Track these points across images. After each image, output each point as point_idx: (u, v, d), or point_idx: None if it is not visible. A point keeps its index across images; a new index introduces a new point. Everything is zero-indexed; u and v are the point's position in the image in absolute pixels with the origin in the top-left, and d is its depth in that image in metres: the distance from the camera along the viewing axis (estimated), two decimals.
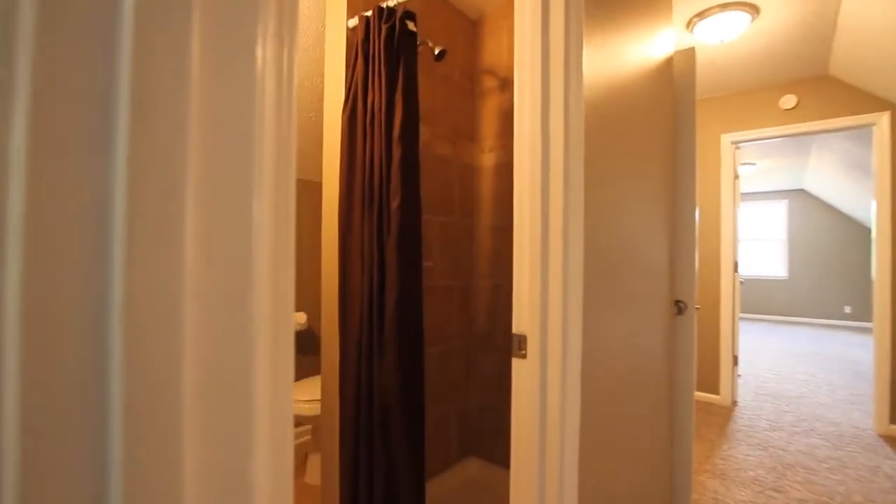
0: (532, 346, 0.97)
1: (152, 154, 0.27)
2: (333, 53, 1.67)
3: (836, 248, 7.55)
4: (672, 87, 1.88)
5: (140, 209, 0.27)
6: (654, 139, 1.64)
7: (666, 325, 1.71)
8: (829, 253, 7.61)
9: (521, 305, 0.99)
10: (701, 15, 2.33)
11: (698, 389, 3.46)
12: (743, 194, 8.12)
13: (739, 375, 3.84)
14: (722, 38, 2.44)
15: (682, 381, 1.80)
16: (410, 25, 1.44)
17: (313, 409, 1.99)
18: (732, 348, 3.43)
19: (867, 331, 6.82)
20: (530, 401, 0.95)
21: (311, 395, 2.04)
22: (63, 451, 0.24)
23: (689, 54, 1.90)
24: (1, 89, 0.24)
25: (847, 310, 7.36)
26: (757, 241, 8.38)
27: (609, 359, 1.23)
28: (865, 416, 3.13)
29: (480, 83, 2.21)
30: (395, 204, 1.37)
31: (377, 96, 1.42)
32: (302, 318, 2.56)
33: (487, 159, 2.18)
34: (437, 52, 1.78)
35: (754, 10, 2.29)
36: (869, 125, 2.96)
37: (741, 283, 3.78)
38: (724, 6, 2.27)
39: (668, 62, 1.83)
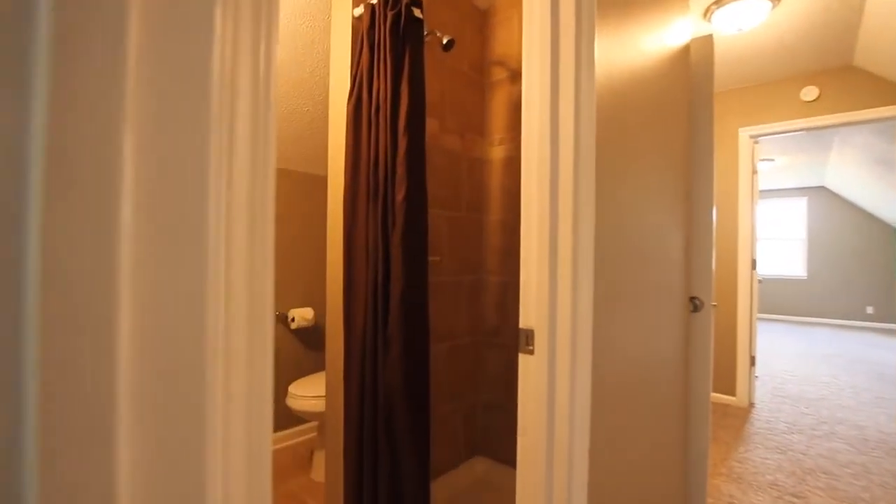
0: (540, 342, 0.93)
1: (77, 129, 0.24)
2: (339, 43, 1.64)
3: (857, 247, 7.33)
4: (688, 77, 1.81)
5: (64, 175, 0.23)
6: (670, 131, 1.58)
7: (681, 322, 1.64)
8: (851, 252, 7.38)
9: (528, 299, 0.95)
10: (719, 2, 2.25)
11: (714, 390, 3.37)
12: (760, 191, 7.92)
13: (756, 376, 3.73)
14: (740, 27, 2.35)
15: (697, 380, 1.73)
16: (416, 12, 1.40)
17: (318, 406, 1.97)
18: (750, 348, 3.34)
19: (891, 332, 6.61)
20: (538, 398, 0.91)
21: (316, 392, 2.02)
22: None
23: (706, 42, 1.83)
24: None
25: (869, 310, 7.14)
26: (775, 240, 8.17)
27: (620, 355, 1.18)
28: (891, 419, 3.01)
29: (490, 75, 2.16)
30: (400, 196, 1.34)
31: (382, 85, 1.39)
32: (309, 313, 2.54)
33: (497, 153, 2.13)
34: (445, 41, 1.74)
35: None
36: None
37: (759, 282, 3.67)
38: None
39: (685, 51, 1.76)
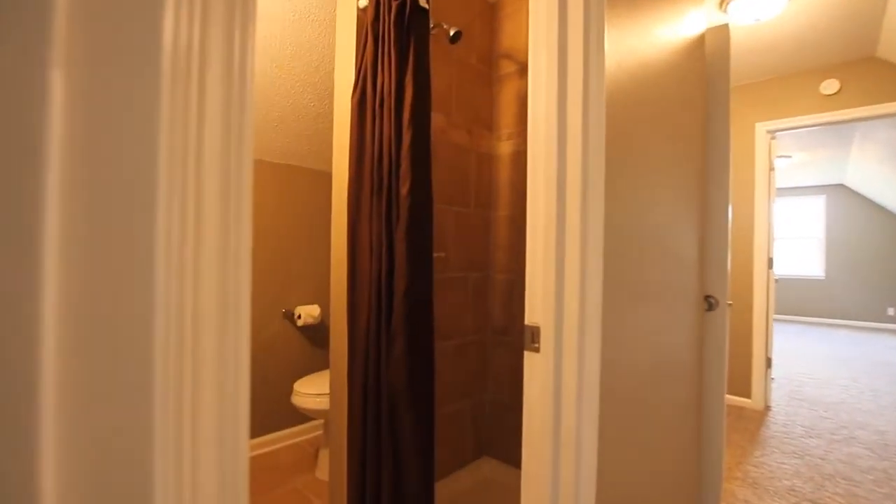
0: (546, 339, 0.89)
1: None
2: (344, 37, 1.62)
3: (878, 246, 7.12)
4: (704, 69, 1.75)
5: None
6: (684, 125, 1.53)
7: (695, 321, 1.59)
8: (871, 252, 7.18)
9: (534, 294, 0.91)
10: None
11: (728, 392, 3.29)
12: (777, 189, 7.75)
13: (773, 379, 3.64)
14: (758, 17, 2.28)
15: (712, 381, 1.68)
16: (422, 2, 1.37)
17: (323, 403, 1.95)
18: (766, 350, 3.25)
19: None
20: (543, 398, 0.87)
21: (321, 389, 2.00)
22: None
23: (722, 32, 1.77)
24: None
25: (890, 311, 6.94)
26: (791, 240, 7.99)
27: (631, 354, 1.14)
28: None
29: (498, 68, 2.12)
30: (404, 189, 1.31)
31: (386, 77, 1.36)
32: (315, 311, 2.53)
33: (505, 148, 2.10)
34: (452, 33, 1.71)
35: None
36: None
37: (775, 281, 3.58)
38: None
39: (700, 42, 1.70)
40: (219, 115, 0.34)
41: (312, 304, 2.60)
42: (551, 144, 0.93)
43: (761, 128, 3.26)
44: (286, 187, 2.53)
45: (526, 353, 0.92)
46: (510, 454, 2.02)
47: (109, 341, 0.24)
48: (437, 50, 1.83)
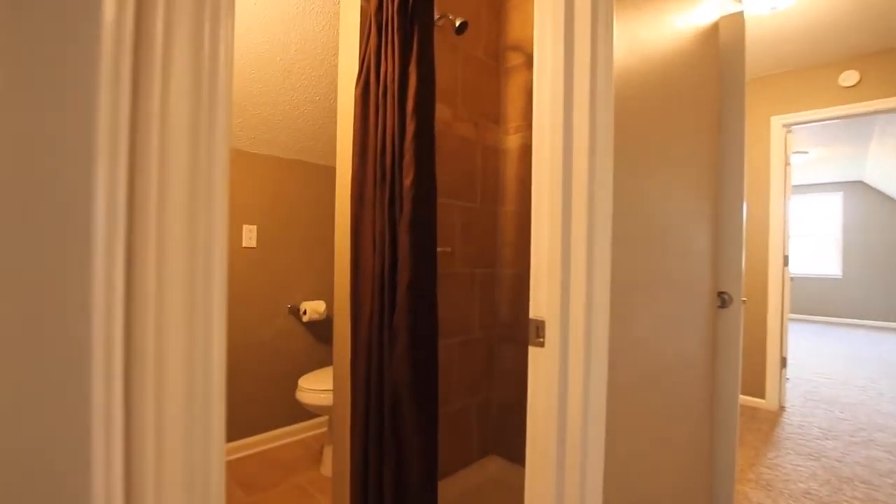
0: (551, 333, 0.86)
1: None
2: (347, 29, 1.59)
3: None
4: (717, 58, 1.70)
5: None
6: (697, 116, 1.48)
7: (707, 317, 1.54)
8: (891, 250, 6.99)
9: (538, 286, 0.88)
10: None
11: (741, 392, 3.22)
12: (793, 187, 7.58)
13: (787, 379, 3.55)
14: (774, 6, 2.21)
15: (725, 380, 1.63)
16: None
17: (327, 399, 1.94)
18: (781, 349, 3.17)
19: None
20: (548, 394, 0.84)
21: (325, 385, 1.99)
22: None
23: (736, 20, 1.71)
24: None
25: None
26: (807, 237, 7.82)
27: (640, 350, 1.10)
28: None
29: (505, 60, 2.08)
30: (408, 181, 1.28)
31: (390, 66, 1.33)
32: (321, 306, 2.52)
33: (513, 141, 2.06)
34: (457, 23, 1.68)
35: None
36: None
37: (790, 279, 3.49)
38: None
39: (713, 30, 1.65)
40: (185, 110, 0.31)
41: (318, 299, 2.59)
42: (556, 134, 0.90)
43: (777, 121, 3.18)
44: (294, 182, 2.52)
45: (530, 348, 0.89)
46: (518, 453, 1.98)
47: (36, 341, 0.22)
48: (442, 41, 1.80)
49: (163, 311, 0.29)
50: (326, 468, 2.08)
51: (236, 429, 2.27)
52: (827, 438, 2.65)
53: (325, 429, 2.53)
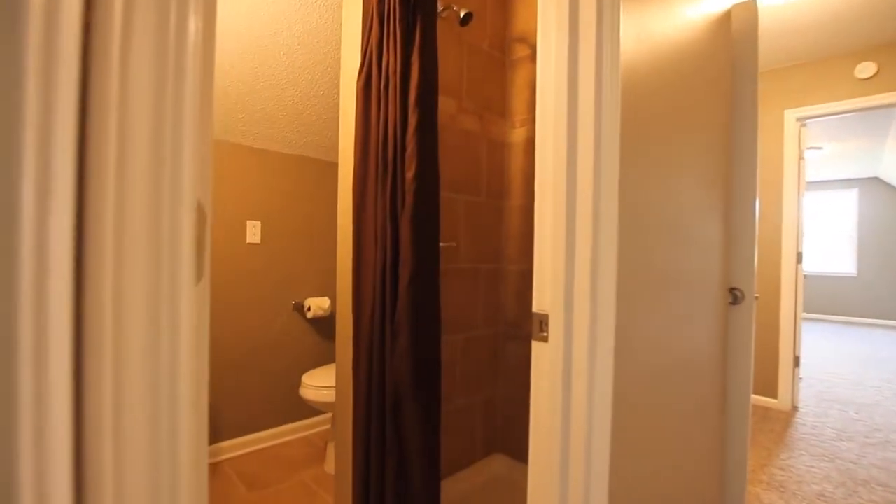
0: (555, 328, 0.83)
1: None
2: (349, 21, 1.57)
3: None
4: (729, 48, 1.65)
5: None
6: (709, 108, 1.44)
7: (719, 314, 1.50)
8: None
9: (542, 280, 0.85)
10: None
11: (753, 391, 3.16)
12: (806, 184, 7.44)
13: (801, 378, 3.48)
14: None
15: (736, 377, 1.59)
16: None
17: (330, 396, 1.92)
18: (794, 348, 3.10)
19: None
20: (551, 391, 0.81)
21: (328, 382, 1.97)
22: None
23: (748, 8, 1.66)
24: None
25: None
26: (821, 235, 7.67)
27: (648, 346, 1.06)
28: None
29: (511, 53, 2.05)
30: (410, 173, 1.26)
31: (392, 57, 1.31)
32: (325, 303, 2.51)
33: (518, 135, 2.03)
34: (462, 14, 1.65)
35: None
36: None
37: (804, 277, 3.41)
38: None
39: (725, 19, 1.60)
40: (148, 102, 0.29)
41: (322, 296, 2.58)
42: (560, 127, 0.86)
43: (791, 115, 3.10)
44: (299, 178, 2.50)
45: (534, 343, 0.87)
46: (524, 452, 1.95)
47: None
48: (447, 33, 1.77)
49: (122, 306, 0.27)
50: (330, 465, 2.06)
51: (240, 425, 2.26)
52: (841, 440, 2.59)
53: (329, 426, 2.51)
